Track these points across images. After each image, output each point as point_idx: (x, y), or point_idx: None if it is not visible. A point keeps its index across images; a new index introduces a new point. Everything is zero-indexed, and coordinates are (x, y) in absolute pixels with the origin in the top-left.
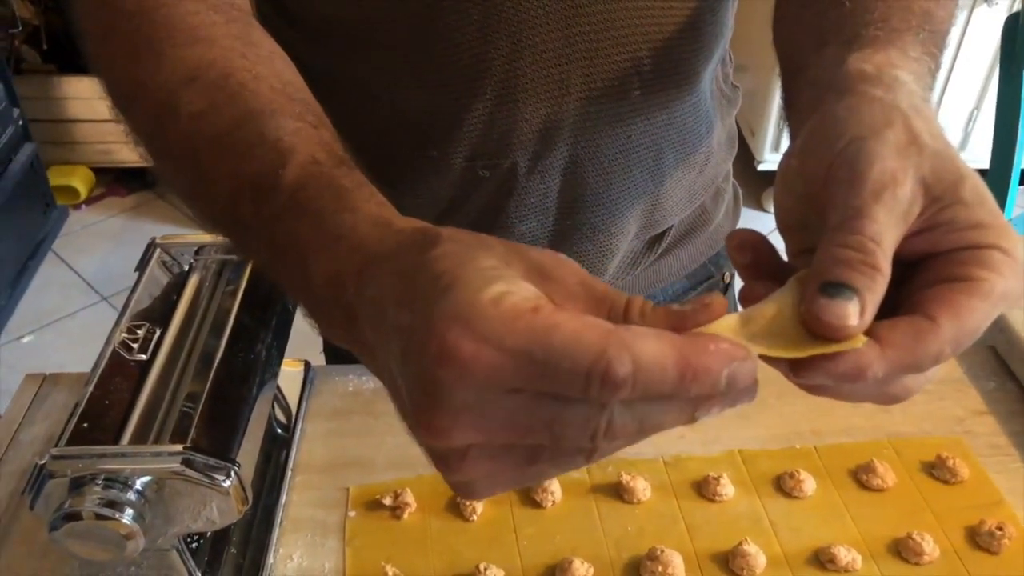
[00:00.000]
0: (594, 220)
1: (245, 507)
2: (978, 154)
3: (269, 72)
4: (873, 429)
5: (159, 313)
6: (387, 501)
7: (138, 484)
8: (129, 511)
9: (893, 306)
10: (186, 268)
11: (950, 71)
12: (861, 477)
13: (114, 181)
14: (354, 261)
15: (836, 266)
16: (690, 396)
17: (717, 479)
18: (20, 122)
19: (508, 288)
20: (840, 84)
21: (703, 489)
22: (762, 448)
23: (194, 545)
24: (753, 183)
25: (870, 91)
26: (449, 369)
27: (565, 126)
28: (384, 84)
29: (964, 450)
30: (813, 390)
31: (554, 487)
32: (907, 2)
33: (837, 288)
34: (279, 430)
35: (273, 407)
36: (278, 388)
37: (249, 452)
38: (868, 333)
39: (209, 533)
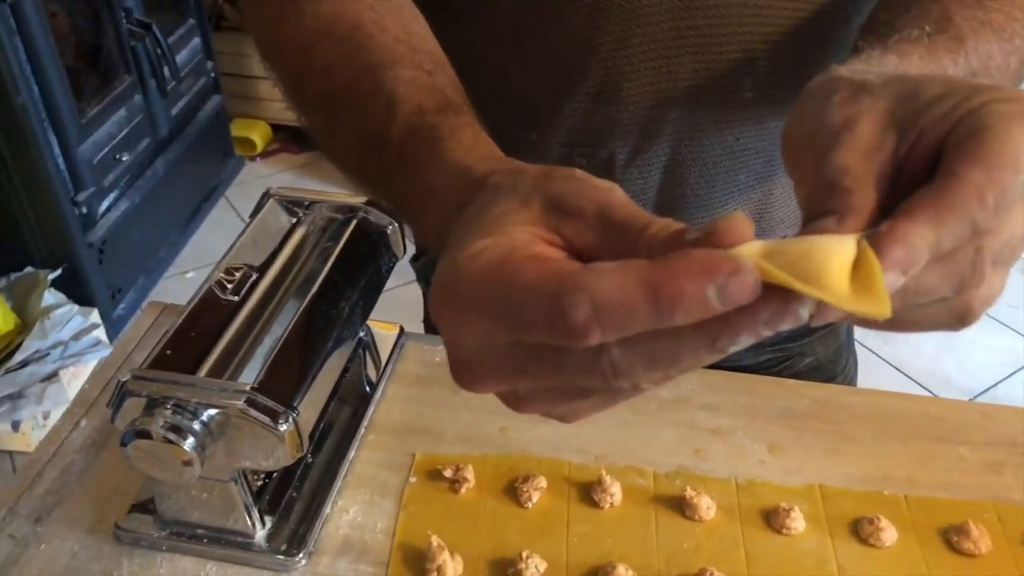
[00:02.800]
0: (694, 223)
1: (299, 453)
2: None
3: (395, 23)
4: (976, 488)
5: (260, 259)
6: (447, 473)
7: (204, 415)
8: (191, 439)
9: None
10: (294, 221)
11: None
12: (951, 538)
13: (289, 138)
14: (441, 216)
15: (810, 209)
16: (679, 323)
17: (788, 511)
18: (212, 75)
19: (492, 242)
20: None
21: (772, 519)
22: (846, 487)
23: (260, 482)
24: None
25: (822, 79)
26: (445, 333)
27: (668, 121)
28: (492, 61)
29: None
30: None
31: (615, 489)
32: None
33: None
34: (367, 388)
35: (365, 365)
36: (375, 348)
37: (313, 402)
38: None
39: (275, 473)
